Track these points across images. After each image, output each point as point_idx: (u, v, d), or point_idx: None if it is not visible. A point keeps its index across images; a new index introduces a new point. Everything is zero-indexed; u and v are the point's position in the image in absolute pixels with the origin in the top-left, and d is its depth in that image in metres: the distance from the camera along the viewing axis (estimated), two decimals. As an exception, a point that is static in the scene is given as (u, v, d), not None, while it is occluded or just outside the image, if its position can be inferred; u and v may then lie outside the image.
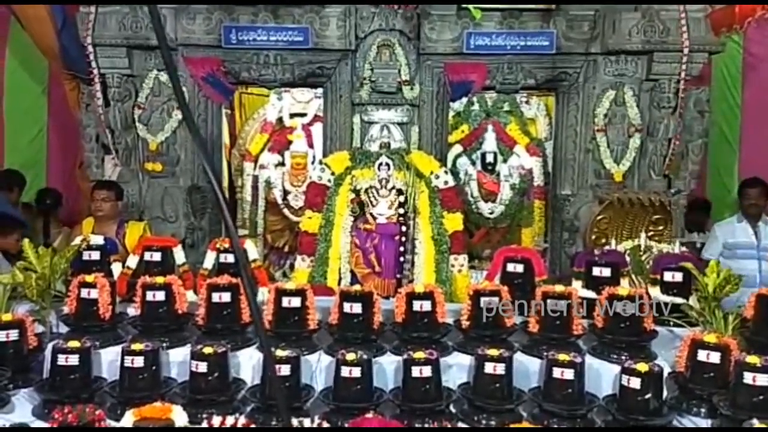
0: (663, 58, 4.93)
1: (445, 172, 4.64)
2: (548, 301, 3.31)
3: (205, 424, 2.97)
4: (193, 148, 5.31)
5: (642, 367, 2.89)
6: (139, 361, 3.10)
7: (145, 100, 5.22)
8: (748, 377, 2.73)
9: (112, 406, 3.12)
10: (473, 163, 5.93)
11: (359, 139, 5.02)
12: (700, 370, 2.98)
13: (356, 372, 3.16)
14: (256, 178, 6.33)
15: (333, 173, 4.58)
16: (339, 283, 4.42)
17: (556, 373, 3.06)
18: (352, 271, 4.66)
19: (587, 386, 3.13)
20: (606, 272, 3.64)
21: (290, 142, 6.18)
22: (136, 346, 3.13)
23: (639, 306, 3.19)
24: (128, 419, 2.94)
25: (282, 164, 6.21)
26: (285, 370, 3.16)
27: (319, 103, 5.73)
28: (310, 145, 6.18)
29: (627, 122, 5.08)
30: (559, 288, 3.38)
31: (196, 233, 5.31)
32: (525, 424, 2.94)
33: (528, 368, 3.33)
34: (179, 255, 3.89)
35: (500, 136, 5.84)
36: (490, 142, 5.74)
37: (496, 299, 3.40)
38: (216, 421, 2.96)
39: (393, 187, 4.58)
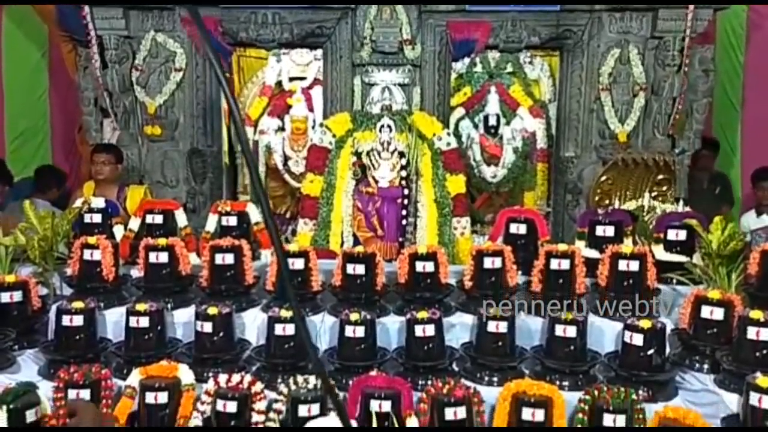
0: (668, 15, 4.85)
1: (448, 134, 4.60)
2: (551, 259, 3.31)
3: (211, 382, 2.99)
4: (192, 111, 5.26)
5: (645, 323, 2.91)
6: (144, 321, 3.12)
7: (142, 62, 5.16)
8: (751, 332, 2.74)
9: (118, 366, 3.15)
10: (476, 127, 5.87)
11: (360, 102, 4.97)
12: (703, 327, 2.99)
13: (360, 331, 3.18)
14: (255, 144, 6.27)
15: (334, 136, 4.55)
16: (341, 247, 4.42)
17: (559, 330, 3.07)
18: (354, 235, 4.65)
19: (590, 344, 3.15)
20: (609, 231, 3.63)
21: (290, 107, 6.12)
22: (141, 307, 3.14)
23: (642, 264, 3.20)
24: (135, 378, 2.97)
25: (282, 129, 6.15)
26: (289, 330, 3.17)
27: (319, 66, 5.66)
28: (310, 109, 6.11)
29: (632, 81, 5.02)
30: (562, 247, 3.38)
31: (197, 198, 5.30)
32: (527, 381, 2.96)
33: (530, 327, 3.34)
34: (181, 218, 3.88)
35: (503, 98, 5.77)
36: (492, 105, 5.67)
37: (499, 259, 3.40)
38: (222, 379, 2.98)
39: (395, 150, 4.55)
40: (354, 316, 3.18)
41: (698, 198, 5.10)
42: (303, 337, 1.22)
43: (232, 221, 3.82)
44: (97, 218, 3.80)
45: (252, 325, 3.43)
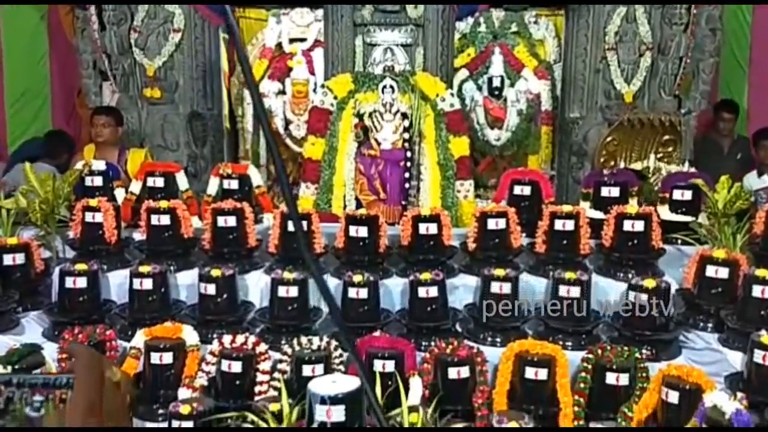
0: (675, -31, 4.76)
1: (451, 95, 4.53)
2: (555, 220, 3.29)
3: (215, 343, 3.00)
4: (192, 74, 5.19)
5: (649, 282, 2.90)
6: (147, 283, 3.12)
7: (141, 23, 5.08)
8: (756, 290, 2.73)
9: (123, 328, 3.16)
10: (479, 89, 5.79)
11: (362, 63, 4.89)
12: (708, 286, 2.98)
13: (363, 293, 3.18)
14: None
15: (335, 97, 4.48)
16: (344, 210, 4.39)
17: (562, 291, 3.07)
18: (357, 198, 4.62)
19: (593, 304, 3.15)
20: (615, 192, 3.60)
21: (290, 69, 6.03)
22: (144, 269, 3.14)
23: (647, 224, 3.17)
24: (139, 339, 2.98)
25: (283, 92, 6.07)
26: (293, 291, 3.18)
27: (319, 27, 5.56)
28: (312, 72, 6.02)
29: (638, 40, 4.94)
30: (566, 208, 3.35)
31: (198, 162, 5.27)
32: (530, 341, 2.96)
33: (534, 288, 3.34)
34: (182, 180, 3.86)
35: (508, 59, 5.67)
36: (497, 66, 5.58)
37: (503, 221, 3.38)
38: (226, 340, 2.99)
39: (397, 111, 4.48)
40: (357, 278, 3.18)
41: (718, 164, 4.97)
42: (324, 295, 1.21)
43: (234, 184, 3.80)
44: (98, 181, 3.79)
45: (255, 287, 3.43)
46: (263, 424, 2.13)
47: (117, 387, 0.79)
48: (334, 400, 1.99)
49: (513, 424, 2.49)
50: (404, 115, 4.51)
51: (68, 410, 0.77)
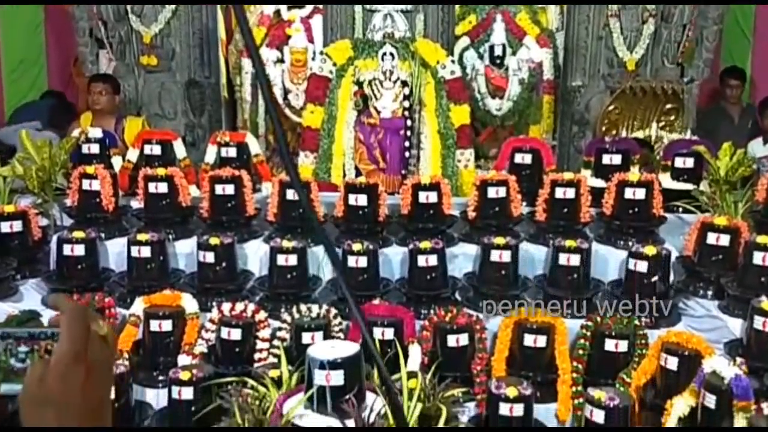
0: (680, -64, 4.66)
1: (452, 62, 4.47)
2: (556, 188, 3.26)
3: (215, 311, 3.00)
4: (189, 41, 5.12)
5: (649, 250, 2.89)
6: (145, 251, 3.11)
7: (137, -11, 5.00)
8: (757, 257, 2.72)
9: (121, 296, 3.16)
10: (480, 57, 5.71)
11: (361, 30, 4.82)
12: (708, 253, 2.97)
13: (362, 261, 3.17)
14: (255, 76, 6.12)
15: (334, 64, 4.42)
16: (343, 179, 4.37)
17: (562, 259, 3.06)
18: (356, 167, 4.59)
19: (593, 272, 3.14)
20: (616, 160, 3.56)
21: (289, 37, 5.95)
22: (142, 237, 3.13)
23: (648, 192, 3.15)
24: (138, 306, 2.98)
25: (281, 61, 5.99)
26: (292, 260, 3.17)
27: (319, -6, 5.47)
28: (310, 40, 5.94)
29: (641, 7, 4.86)
30: (567, 175, 3.33)
31: (196, 131, 5.22)
32: (529, 309, 2.96)
33: (534, 257, 3.33)
34: (179, 149, 3.82)
35: (509, 26, 5.58)
36: (498, 34, 5.50)
37: (503, 189, 3.35)
38: (226, 307, 2.99)
39: (397, 79, 4.43)
40: (356, 246, 3.17)
41: (730, 133, 4.89)
42: (332, 258, 1.18)
43: (232, 152, 3.77)
44: (94, 149, 3.75)
45: (254, 256, 3.42)
46: (263, 390, 2.13)
47: (104, 340, 0.78)
48: (333, 365, 1.99)
49: (512, 390, 2.50)
50: (404, 83, 4.45)
51: (53, 359, 0.76)
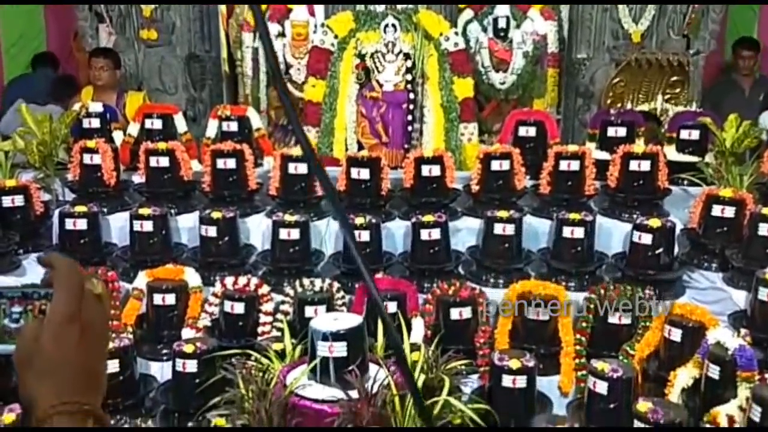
0: None
1: (456, 33, 4.41)
2: (561, 161, 3.24)
3: (218, 285, 3.00)
4: (189, 14, 5.06)
5: (654, 222, 2.87)
6: (148, 225, 3.10)
7: (136, -37, 4.94)
8: (763, 229, 2.71)
9: (125, 270, 3.16)
10: (484, 30, 5.63)
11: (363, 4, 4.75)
12: (713, 225, 2.95)
13: (365, 235, 3.16)
14: (256, 51, 6.04)
15: (336, 36, 4.36)
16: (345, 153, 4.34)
17: (566, 232, 3.04)
18: (358, 142, 4.56)
19: (597, 246, 3.13)
20: (621, 132, 3.52)
21: (290, 10, 5.88)
22: (144, 211, 3.12)
23: (653, 164, 3.12)
24: (141, 280, 2.98)
25: (282, 35, 5.92)
26: (294, 234, 3.16)
27: (320, -35, 5.39)
28: (311, 14, 5.87)
29: (647, -22, 4.79)
30: (572, 148, 3.30)
31: (197, 106, 5.19)
32: (532, 281, 2.95)
33: (538, 230, 3.31)
34: (180, 123, 3.79)
35: (514, -2, 5.51)
36: (502, 6, 5.43)
37: (507, 162, 3.33)
38: (229, 281, 2.99)
39: (400, 51, 4.38)
40: (359, 220, 3.15)
41: (740, 106, 4.80)
42: (353, 252, 1.17)
43: (233, 126, 3.73)
44: (95, 123, 3.72)
45: (257, 230, 3.41)
46: (266, 362, 2.14)
47: (98, 299, 0.77)
48: (336, 337, 1.98)
49: (514, 362, 2.50)
50: (407, 56, 4.40)
51: (47, 318, 0.75)
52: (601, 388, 2.37)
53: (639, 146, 3.25)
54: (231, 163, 3.35)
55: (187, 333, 2.87)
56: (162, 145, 3.34)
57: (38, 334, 0.75)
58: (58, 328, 0.75)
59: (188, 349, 2.61)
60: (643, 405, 2.06)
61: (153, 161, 3.32)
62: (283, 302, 2.98)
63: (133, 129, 3.72)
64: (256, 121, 3.92)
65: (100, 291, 0.80)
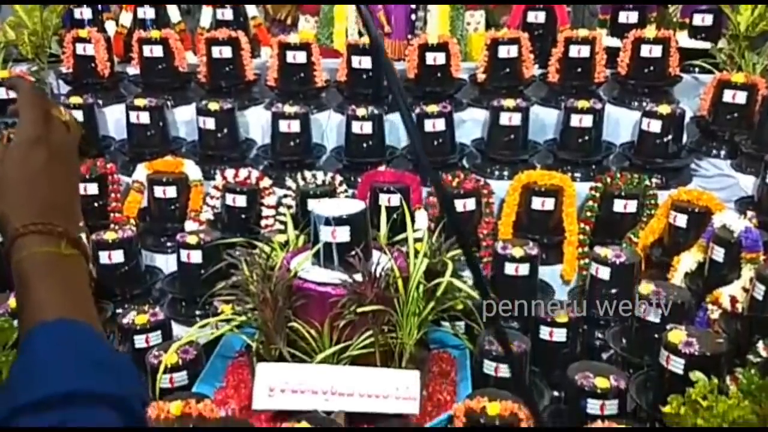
0: None
1: None
2: (570, 46, 3.11)
3: (218, 178, 2.97)
4: None
5: (664, 108, 2.79)
6: (144, 117, 3.04)
7: None
8: (775, 113, 2.63)
9: (123, 164, 3.12)
10: None
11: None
12: (724, 112, 2.87)
13: (367, 127, 3.09)
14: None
15: None
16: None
17: (574, 120, 2.97)
18: (359, 33, 4.39)
19: (606, 135, 3.06)
20: (633, 17, 3.37)
21: None
22: (140, 102, 3.04)
23: (665, 49, 3.00)
24: (141, 172, 2.94)
25: None
26: (294, 126, 3.09)
27: None
28: None
29: None
30: (582, 32, 3.17)
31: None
32: (538, 171, 2.91)
33: (545, 122, 3.23)
34: (174, 12, 3.63)
35: None
36: None
37: (515, 48, 3.20)
38: (229, 174, 2.96)
39: (402, -65, 4.13)
40: (361, 112, 3.08)
41: None
42: (408, 125, 1.10)
43: (228, 14, 3.58)
44: (87, 13, 3.57)
45: (256, 124, 3.34)
46: (269, 250, 2.13)
47: (66, 126, 0.75)
48: (339, 221, 1.96)
49: (517, 250, 2.50)
50: (410, -61, 4.15)
51: (13, 141, 0.73)
52: (604, 273, 2.37)
53: (650, 31, 3.11)
54: (227, 52, 3.24)
55: (190, 225, 2.87)
56: (155, 34, 3.23)
57: (3, 157, 0.73)
58: (25, 150, 0.73)
59: (192, 240, 2.62)
60: (645, 287, 2.06)
61: (146, 50, 3.21)
62: (285, 195, 2.96)
63: (126, 18, 3.57)
64: (253, 9, 3.75)
65: (67, 119, 0.77)
